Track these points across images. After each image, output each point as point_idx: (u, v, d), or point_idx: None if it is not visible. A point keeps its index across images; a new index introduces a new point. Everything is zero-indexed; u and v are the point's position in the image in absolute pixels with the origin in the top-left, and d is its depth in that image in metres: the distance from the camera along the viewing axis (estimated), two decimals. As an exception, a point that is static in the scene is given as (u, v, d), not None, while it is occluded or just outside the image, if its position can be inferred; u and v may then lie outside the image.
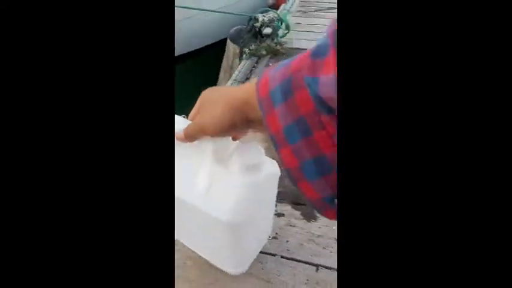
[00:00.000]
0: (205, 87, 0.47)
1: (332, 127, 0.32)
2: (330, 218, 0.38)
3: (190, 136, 0.48)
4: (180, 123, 0.49)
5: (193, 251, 0.73)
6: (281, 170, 0.61)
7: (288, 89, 0.34)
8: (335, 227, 0.82)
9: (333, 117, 0.32)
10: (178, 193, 0.53)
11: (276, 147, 0.36)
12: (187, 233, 0.66)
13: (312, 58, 0.32)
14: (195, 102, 0.48)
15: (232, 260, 0.66)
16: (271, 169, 0.60)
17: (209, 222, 0.56)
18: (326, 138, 0.33)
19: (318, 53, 0.32)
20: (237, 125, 0.42)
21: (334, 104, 0.30)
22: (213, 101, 0.44)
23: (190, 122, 0.49)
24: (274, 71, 0.36)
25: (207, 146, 0.52)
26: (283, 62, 0.36)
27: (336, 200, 0.35)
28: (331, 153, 0.33)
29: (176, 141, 0.49)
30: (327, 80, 0.30)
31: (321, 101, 0.32)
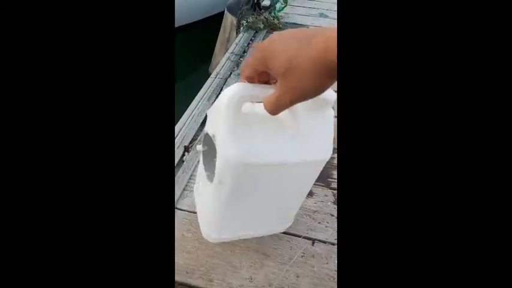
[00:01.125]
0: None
1: None
2: None
3: (283, 108, 0.43)
4: (247, 89, 0.47)
5: (190, 223, 0.74)
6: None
7: None
8: (330, 203, 0.83)
9: None
10: (259, 160, 0.52)
11: None
12: (238, 221, 0.66)
13: None
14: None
15: (292, 212, 0.71)
16: None
17: (302, 171, 0.59)
18: None
19: None
20: None
21: None
22: (304, 69, 0.38)
23: (259, 87, 0.46)
24: None
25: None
26: None
27: None
28: None
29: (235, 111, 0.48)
30: None
31: None
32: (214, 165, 0.57)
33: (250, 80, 0.47)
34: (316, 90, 0.40)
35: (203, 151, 0.63)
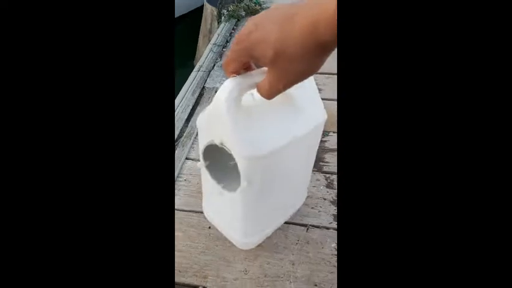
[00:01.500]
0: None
1: None
2: None
3: (277, 94, 0.42)
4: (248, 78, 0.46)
5: (181, 222, 0.73)
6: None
7: None
8: (322, 187, 0.82)
9: None
10: (277, 144, 0.52)
11: None
12: (269, 215, 0.66)
13: None
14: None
15: (306, 185, 0.74)
16: None
17: (308, 140, 0.60)
18: None
19: None
20: None
21: None
22: (292, 53, 0.36)
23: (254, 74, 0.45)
24: None
25: None
26: None
27: None
28: None
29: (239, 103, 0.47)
30: None
31: None
32: (231, 173, 0.55)
33: (237, 73, 0.45)
34: (308, 72, 0.38)
35: (206, 166, 0.60)
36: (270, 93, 0.41)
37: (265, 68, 0.44)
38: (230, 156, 0.51)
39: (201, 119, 0.54)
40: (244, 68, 0.45)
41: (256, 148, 0.50)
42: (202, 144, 0.56)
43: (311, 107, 0.57)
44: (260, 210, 0.61)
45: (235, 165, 0.52)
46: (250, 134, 0.50)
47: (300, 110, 0.55)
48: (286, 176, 0.61)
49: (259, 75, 0.44)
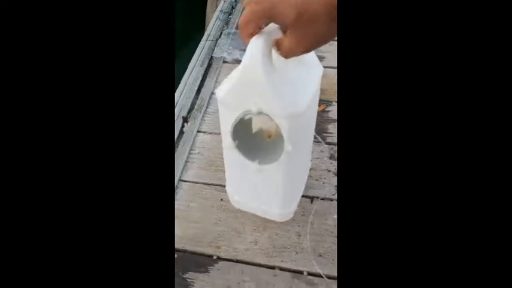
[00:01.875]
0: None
1: None
2: None
3: (297, 55, 0.42)
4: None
5: (195, 194, 0.78)
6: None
7: None
8: (326, 158, 0.85)
9: None
10: (307, 99, 0.52)
11: None
12: (299, 182, 0.70)
13: None
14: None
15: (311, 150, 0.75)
16: None
17: (315, 94, 0.59)
18: None
19: None
20: None
21: None
22: (317, 14, 0.36)
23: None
24: None
25: None
26: None
27: None
28: None
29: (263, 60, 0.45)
30: None
31: None
32: (257, 149, 0.57)
33: (254, 35, 0.44)
34: (328, 35, 0.38)
35: (237, 147, 0.58)
36: (289, 55, 0.41)
37: (275, 25, 0.43)
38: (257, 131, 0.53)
39: (224, 94, 0.51)
40: (260, 29, 0.45)
41: (296, 105, 0.49)
42: (229, 122, 0.54)
43: (311, 60, 0.58)
44: (295, 177, 0.62)
45: (263, 137, 0.53)
46: (287, 92, 0.49)
47: (306, 63, 0.56)
48: (308, 136, 0.62)
49: (276, 31, 0.43)
